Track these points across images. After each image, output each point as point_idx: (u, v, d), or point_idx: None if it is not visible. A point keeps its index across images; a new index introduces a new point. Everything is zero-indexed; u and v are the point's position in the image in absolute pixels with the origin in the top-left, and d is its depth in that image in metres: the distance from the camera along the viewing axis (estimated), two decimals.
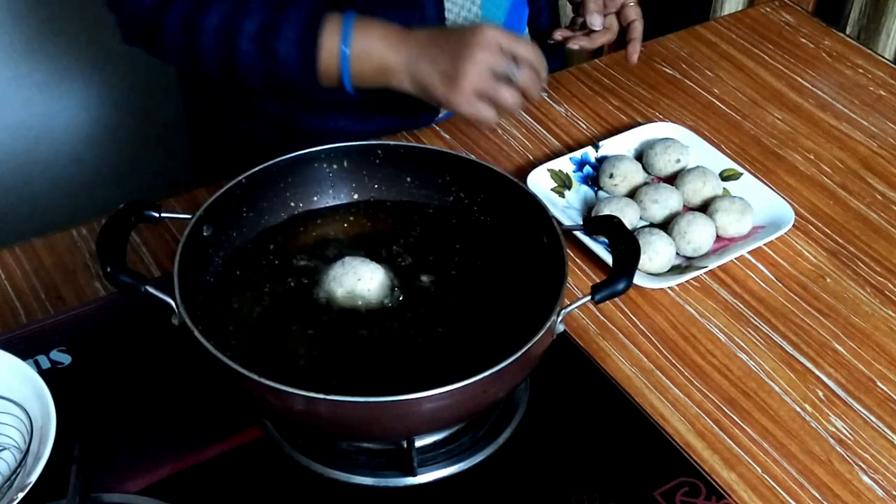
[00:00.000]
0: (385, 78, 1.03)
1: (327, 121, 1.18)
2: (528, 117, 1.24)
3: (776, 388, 0.93)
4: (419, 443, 0.83)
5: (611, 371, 0.93)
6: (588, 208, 1.11)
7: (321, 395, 0.73)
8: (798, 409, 0.91)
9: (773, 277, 1.04)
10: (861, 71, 1.34)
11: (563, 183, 1.12)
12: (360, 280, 0.87)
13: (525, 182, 1.08)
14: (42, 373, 0.85)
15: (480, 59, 0.99)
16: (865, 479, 0.86)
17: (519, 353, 0.75)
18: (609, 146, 1.16)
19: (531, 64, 1.02)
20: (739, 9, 1.82)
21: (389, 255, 0.92)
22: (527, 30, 1.27)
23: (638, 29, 1.22)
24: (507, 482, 0.83)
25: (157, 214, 0.87)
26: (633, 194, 1.10)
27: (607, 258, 1.00)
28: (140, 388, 0.89)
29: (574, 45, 1.22)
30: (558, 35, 1.23)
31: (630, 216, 1.05)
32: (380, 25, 1.04)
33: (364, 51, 1.02)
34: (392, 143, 0.96)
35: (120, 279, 0.80)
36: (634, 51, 1.22)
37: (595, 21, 1.19)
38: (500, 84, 1.00)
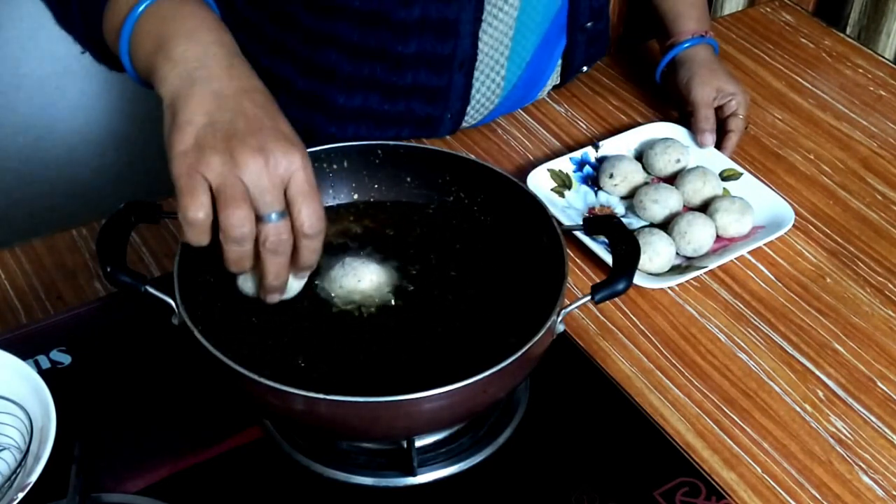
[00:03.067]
0: (156, 61, 0.74)
1: (346, 128, 1.17)
2: (528, 117, 1.24)
3: (776, 388, 0.93)
4: (419, 443, 0.83)
5: (611, 371, 0.93)
6: (588, 208, 1.11)
7: (321, 395, 0.72)
8: (798, 409, 0.91)
9: (773, 277, 1.04)
10: (861, 71, 1.34)
11: (563, 183, 1.12)
12: (360, 281, 0.87)
13: (525, 182, 1.08)
14: (42, 373, 0.85)
15: (256, 165, 0.69)
16: (865, 479, 0.86)
17: (519, 353, 0.75)
18: (609, 146, 1.16)
19: (296, 235, 0.72)
20: (739, 9, 1.82)
21: (389, 255, 0.92)
22: (560, 61, 1.24)
23: (737, 124, 1.16)
24: (507, 482, 0.83)
25: (157, 214, 0.87)
26: (632, 194, 1.10)
27: (607, 258, 1.00)
28: (140, 388, 0.89)
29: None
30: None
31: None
32: (208, 13, 0.76)
33: (156, 15, 0.75)
34: (392, 143, 0.96)
35: (120, 279, 0.80)
36: (729, 147, 1.16)
37: (707, 140, 1.15)
38: (238, 201, 0.69)
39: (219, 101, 0.71)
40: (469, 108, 1.18)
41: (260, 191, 0.69)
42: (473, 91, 1.16)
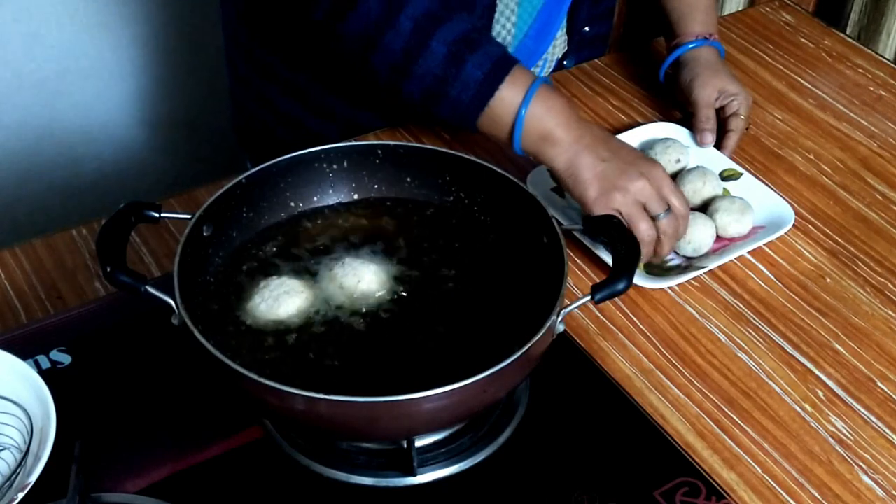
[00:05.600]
0: (543, 146, 1.00)
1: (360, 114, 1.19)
2: None
3: (776, 388, 0.93)
4: (419, 443, 0.83)
5: (611, 371, 0.93)
6: None
7: (321, 395, 0.73)
8: (798, 409, 0.91)
9: (773, 277, 1.04)
10: (861, 71, 1.34)
11: None
12: (360, 281, 0.87)
13: (525, 182, 1.08)
14: (42, 373, 0.85)
15: (641, 186, 0.97)
16: (865, 479, 0.86)
17: (519, 353, 0.75)
18: None
19: (679, 219, 1.00)
20: (739, 9, 1.82)
21: (389, 255, 0.92)
22: (565, 19, 1.26)
23: (738, 123, 1.17)
24: (507, 482, 0.83)
25: (157, 214, 0.87)
26: None
27: (607, 258, 1.00)
28: (140, 388, 0.89)
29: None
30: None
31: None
32: (563, 99, 1.02)
33: (537, 113, 1.00)
34: (392, 143, 0.96)
35: (120, 279, 0.80)
36: (729, 147, 1.17)
37: (707, 140, 1.16)
38: (643, 215, 0.97)
39: (598, 156, 0.99)
40: None
41: (650, 200, 0.98)
42: None
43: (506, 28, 1.20)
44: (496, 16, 1.18)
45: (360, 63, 1.05)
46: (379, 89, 1.07)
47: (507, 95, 1.00)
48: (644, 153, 1.05)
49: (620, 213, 0.97)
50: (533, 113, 1.00)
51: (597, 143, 1.00)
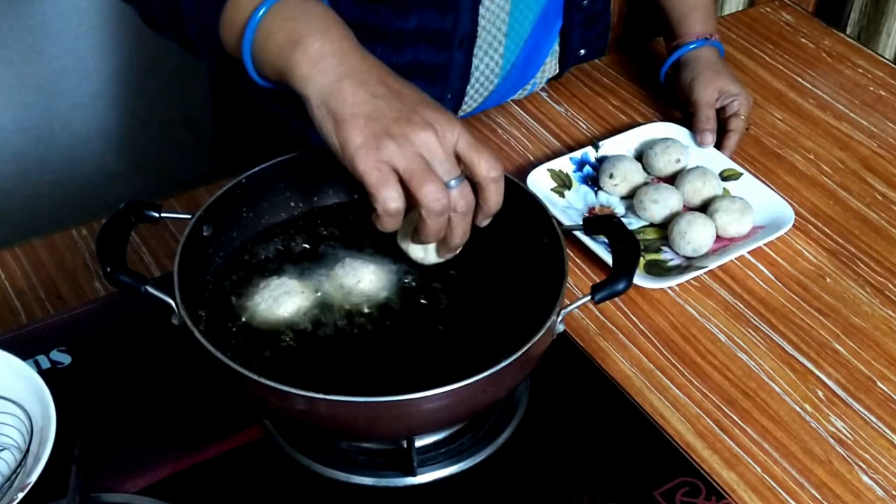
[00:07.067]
0: (291, 62, 0.75)
1: None
2: (527, 117, 1.24)
3: (776, 388, 0.93)
4: (419, 443, 0.83)
5: (611, 371, 0.93)
6: (588, 208, 1.11)
7: (321, 395, 0.72)
8: (798, 409, 0.91)
9: (773, 277, 1.04)
10: (861, 71, 1.34)
11: (563, 183, 1.12)
12: (360, 281, 0.87)
13: (525, 182, 1.08)
14: (42, 373, 0.85)
15: (426, 138, 0.73)
16: (865, 479, 0.86)
17: (519, 353, 0.75)
18: (609, 146, 1.16)
19: (487, 188, 0.76)
20: (739, 9, 1.82)
21: (389, 255, 0.91)
22: (557, 42, 1.26)
23: (738, 124, 1.16)
24: (507, 482, 0.83)
25: (157, 214, 0.87)
26: (632, 194, 1.10)
27: (607, 258, 1.00)
28: (140, 388, 0.89)
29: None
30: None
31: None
32: (327, 9, 0.78)
33: (285, 12, 0.76)
34: None
35: (120, 279, 0.80)
36: (729, 147, 1.16)
37: (707, 140, 1.15)
38: (431, 175, 0.73)
39: (369, 90, 0.74)
40: (469, 88, 1.18)
41: (438, 161, 0.73)
42: (472, 69, 1.17)
43: (493, 59, 1.19)
44: (484, 47, 1.17)
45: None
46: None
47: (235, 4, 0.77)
48: (439, 106, 0.76)
49: (397, 170, 0.72)
50: (279, 12, 0.75)
51: (369, 71, 0.75)
